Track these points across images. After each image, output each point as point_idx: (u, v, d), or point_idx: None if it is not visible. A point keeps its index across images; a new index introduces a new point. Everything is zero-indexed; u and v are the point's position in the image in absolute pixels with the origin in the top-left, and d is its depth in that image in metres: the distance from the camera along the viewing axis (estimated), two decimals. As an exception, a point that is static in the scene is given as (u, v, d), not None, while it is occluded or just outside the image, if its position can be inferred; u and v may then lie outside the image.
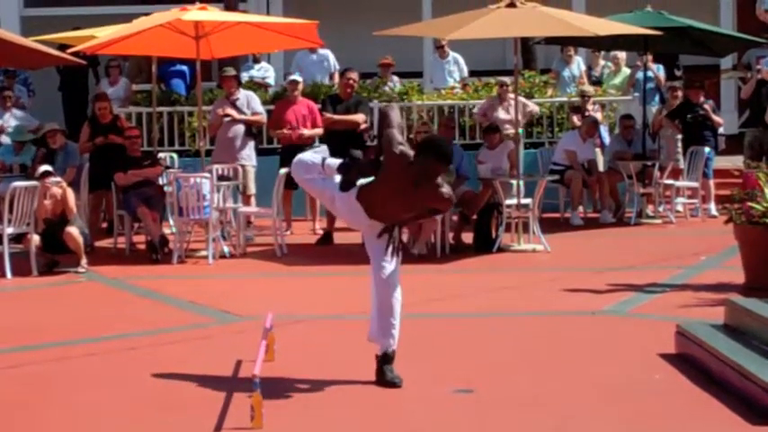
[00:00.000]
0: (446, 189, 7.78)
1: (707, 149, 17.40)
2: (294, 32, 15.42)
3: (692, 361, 8.44)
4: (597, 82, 20.04)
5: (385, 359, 8.00)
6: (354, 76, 15.60)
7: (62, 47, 17.16)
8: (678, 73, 20.23)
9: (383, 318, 7.95)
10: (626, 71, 19.87)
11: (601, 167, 17.76)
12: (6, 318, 11.14)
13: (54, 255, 13.58)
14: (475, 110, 18.26)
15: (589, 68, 20.51)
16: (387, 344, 8.00)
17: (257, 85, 19.11)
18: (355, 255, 12.95)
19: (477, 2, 16.30)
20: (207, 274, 13.54)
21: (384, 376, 7.96)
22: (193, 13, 14.40)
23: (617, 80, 19.90)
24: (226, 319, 10.80)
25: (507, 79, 17.50)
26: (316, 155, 8.18)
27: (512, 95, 16.59)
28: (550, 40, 18.18)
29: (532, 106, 18.05)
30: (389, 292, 7.91)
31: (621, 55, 19.87)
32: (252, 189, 15.83)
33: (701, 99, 17.79)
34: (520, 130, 17.76)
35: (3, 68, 19.08)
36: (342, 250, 14.57)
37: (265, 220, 15.52)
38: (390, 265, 7.92)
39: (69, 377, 8.68)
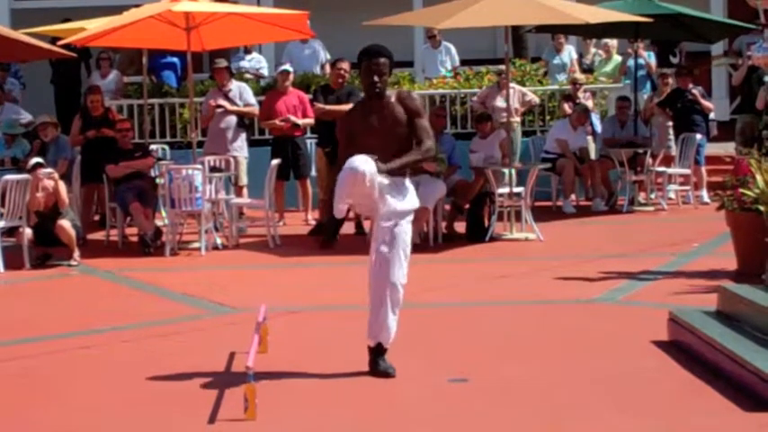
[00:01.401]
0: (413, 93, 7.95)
1: (698, 136, 17.42)
2: (285, 23, 15.40)
3: (685, 348, 8.45)
4: (588, 70, 20.05)
5: (378, 349, 7.99)
6: (346, 66, 15.59)
7: (53, 39, 17.13)
8: (675, 60, 20.21)
9: (380, 311, 7.92)
10: (617, 58, 19.87)
11: (593, 155, 17.78)
12: (-1, 311, 11.16)
13: (46, 248, 13.57)
14: (474, 98, 18.28)
15: (580, 56, 20.51)
16: (383, 337, 7.99)
17: (253, 76, 19.12)
18: (348, 245, 12.97)
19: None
20: (200, 266, 13.54)
21: (377, 366, 7.96)
22: (184, 5, 14.36)
23: (608, 68, 19.90)
24: (219, 310, 10.80)
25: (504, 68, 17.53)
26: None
27: (511, 84, 16.61)
28: (541, 29, 18.18)
29: (531, 96, 18.08)
30: (389, 286, 7.89)
31: (612, 42, 19.87)
32: (244, 180, 15.83)
33: (690, 86, 17.81)
34: (517, 119, 17.84)
35: (-6, 61, 19.06)
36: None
37: (258, 211, 15.53)
38: (404, 263, 7.91)
39: (63, 370, 8.68)
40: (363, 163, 7.47)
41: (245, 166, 15.88)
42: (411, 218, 7.99)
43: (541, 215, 15.57)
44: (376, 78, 7.71)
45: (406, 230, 7.89)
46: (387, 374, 7.92)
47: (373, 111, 7.77)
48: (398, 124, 7.75)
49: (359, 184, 7.50)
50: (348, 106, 14.92)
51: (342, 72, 15.44)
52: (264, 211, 14.69)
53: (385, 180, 7.64)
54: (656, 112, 18.20)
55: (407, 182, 7.92)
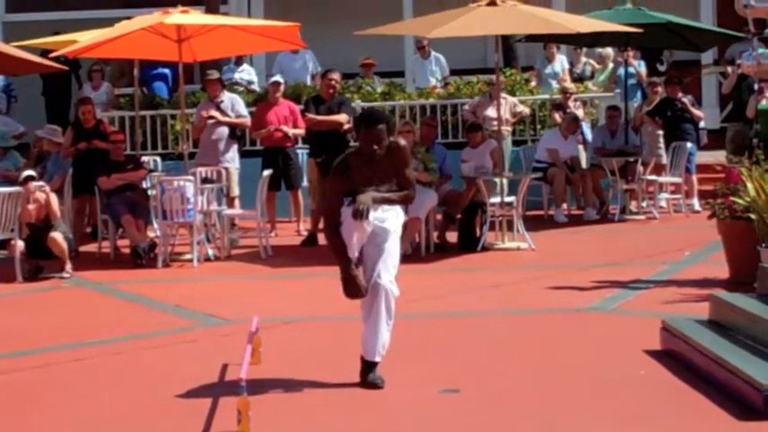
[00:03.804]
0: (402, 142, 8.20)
1: (689, 145, 17.45)
2: (276, 34, 15.43)
3: (677, 357, 8.47)
4: (579, 79, 20.08)
5: (370, 361, 8.01)
6: (336, 76, 15.61)
7: (45, 51, 17.14)
8: (662, 68, 20.27)
9: (373, 325, 7.96)
10: (610, 67, 19.90)
11: (584, 164, 17.80)
12: (-9, 324, 11.13)
13: (39, 260, 13.56)
14: (466, 107, 18.30)
15: (571, 65, 20.54)
16: (377, 350, 8.02)
17: (246, 90, 19.15)
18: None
19: (458, 1, 16.33)
20: (192, 278, 13.53)
21: (366, 378, 7.98)
22: (175, 17, 14.38)
23: (602, 77, 19.95)
24: (211, 322, 10.80)
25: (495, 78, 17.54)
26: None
27: (502, 95, 16.63)
28: (531, 38, 18.21)
29: (522, 107, 18.12)
30: (381, 298, 7.93)
31: (608, 52, 19.90)
32: (235, 191, 15.82)
33: (679, 94, 17.84)
34: (508, 129, 17.85)
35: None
36: (326, 251, 14.46)
37: (250, 222, 15.53)
38: (394, 271, 7.99)
39: (55, 383, 8.67)
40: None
41: (236, 176, 15.87)
42: (399, 233, 8.16)
43: (533, 224, 15.58)
44: (376, 147, 7.90)
45: (395, 244, 8.03)
46: (374, 386, 7.94)
47: (367, 162, 7.94)
48: (388, 173, 8.02)
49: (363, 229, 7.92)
50: (340, 116, 15.09)
51: (332, 83, 15.46)
52: (256, 222, 14.70)
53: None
54: (645, 121, 18.23)
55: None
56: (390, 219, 8.05)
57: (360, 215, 7.69)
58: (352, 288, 7.83)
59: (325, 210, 8.21)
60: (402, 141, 8.27)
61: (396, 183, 8.04)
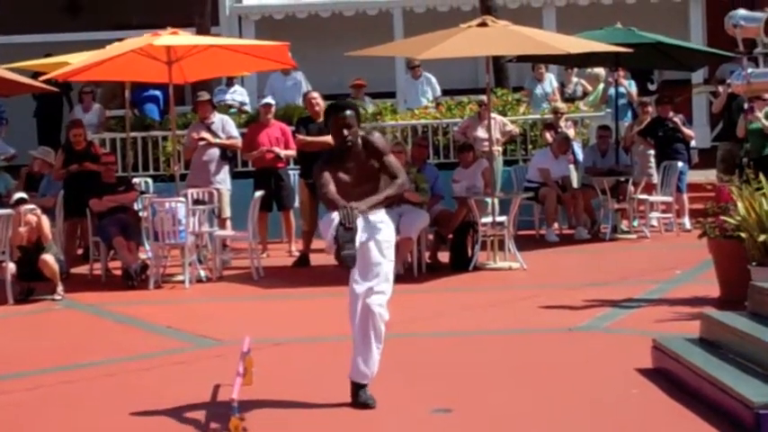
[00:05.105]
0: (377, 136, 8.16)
1: (680, 164, 17.48)
2: (266, 54, 15.45)
3: (668, 375, 8.47)
4: (570, 99, 20.12)
5: (359, 383, 8.01)
6: (316, 95, 15.68)
7: (35, 74, 17.15)
8: (652, 87, 20.32)
9: (362, 347, 7.96)
10: (600, 87, 19.95)
11: (575, 184, 17.82)
12: (-18, 347, 11.11)
13: (30, 282, 13.53)
14: (456, 128, 18.33)
15: (562, 85, 20.60)
16: (366, 373, 8.01)
17: (238, 111, 19.18)
18: (332, 276, 12.96)
19: (449, 22, 16.37)
20: (184, 299, 13.51)
21: (358, 398, 7.98)
22: (165, 39, 14.40)
23: (592, 96, 20.00)
24: (203, 343, 10.78)
25: (485, 98, 17.56)
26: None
27: (492, 114, 16.66)
28: (522, 58, 18.25)
29: (511, 126, 18.14)
30: (371, 323, 7.93)
31: (601, 72, 19.94)
32: (227, 212, 15.81)
33: (670, 114, 17.88)
34: (499, 149, 17.87)
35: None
36: (318, 272, 14.57)
37: (241, 243, 15.53)
38: (387, 295, 7.97)
39: (46, 405, 8.65)
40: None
41: (228, 198, 15.87)
42: (392, 250, 8.05)
43: (525, 244, 15.58)
44: (345, 132, 7.94)
45: (389, 264, 7.98)
46: (366, 406, 7.93)
47: (345, 157, 7.99)
48: (368, 166, 8.00)
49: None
50: (330, 137, 15.07)
51: (314, 101, 15.51)
52: (248, 243, 14.70)
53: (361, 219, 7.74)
54: (636, 141, 18.26)
55: (383, 214, 8.05)
56: (384, 231, 8.00)
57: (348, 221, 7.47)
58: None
59: (318, 188, 8.01)
60: (376, 134, 8.28)
61: (382, 179, 7.97)
